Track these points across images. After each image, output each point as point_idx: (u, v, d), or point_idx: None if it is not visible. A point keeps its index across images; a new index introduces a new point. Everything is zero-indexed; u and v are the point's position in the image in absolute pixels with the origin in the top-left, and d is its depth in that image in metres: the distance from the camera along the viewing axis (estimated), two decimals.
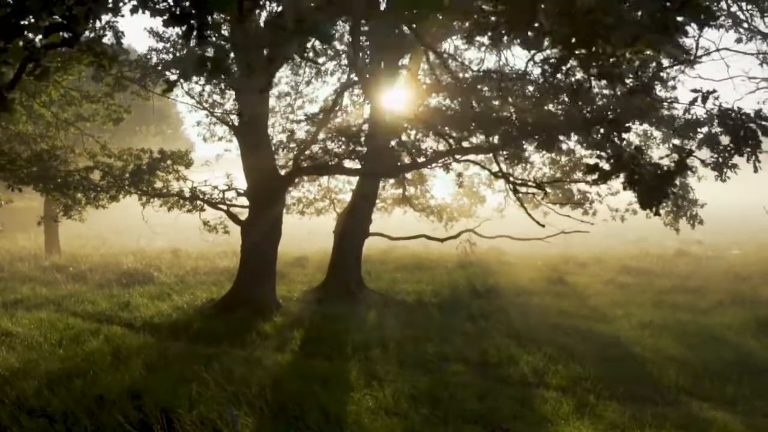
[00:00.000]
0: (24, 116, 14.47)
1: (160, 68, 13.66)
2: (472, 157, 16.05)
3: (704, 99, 5.86)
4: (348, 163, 15.41)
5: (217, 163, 17.09)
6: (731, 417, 7.40)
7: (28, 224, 23.01)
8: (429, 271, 19.12)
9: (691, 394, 8.38)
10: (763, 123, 6.43)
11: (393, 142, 14.86)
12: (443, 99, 14.63)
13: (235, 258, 17.99)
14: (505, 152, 13.58)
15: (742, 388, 8.40)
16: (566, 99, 10.91)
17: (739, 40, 14.62)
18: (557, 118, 11.06)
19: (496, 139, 12.80)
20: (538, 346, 10.12)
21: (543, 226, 14.81)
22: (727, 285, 16.77)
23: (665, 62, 10.41)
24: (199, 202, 13.89)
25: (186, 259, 22.24)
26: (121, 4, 3.81)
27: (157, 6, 3.29)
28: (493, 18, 4.78)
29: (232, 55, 12.54)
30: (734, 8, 13.91)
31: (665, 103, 11.45)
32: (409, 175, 18.72)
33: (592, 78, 8.29)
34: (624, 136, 8.27)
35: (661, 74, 11.21)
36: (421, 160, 14.75)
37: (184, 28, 2.88)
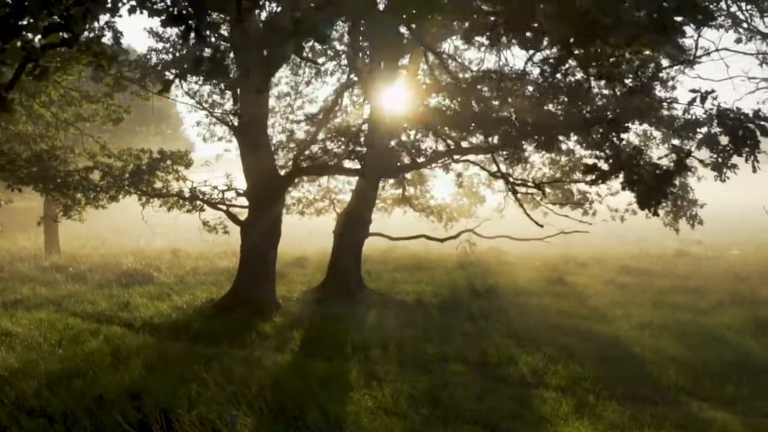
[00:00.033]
0: (24, 116, 14.47)
1: (159, 68, 13.66)
2: (471, 157, 16.07)
3: (703, 99, 5.86)
4: (348, 164, 15.43)
5: (216, 163, 17.09)
6: (731, 417, 7.40)
7: (27, 224, 23.01)
8: (429, 271, 19.12)
9: (690, 394, 8.37)
10: (762, 123, 6.43)
11: (393, 143, 14.87)
12: (443, 99, 14.64)
13: (234, 258, 17.98)
14: (504, 152, 13.58)
15: (742, 389, 8.40)
16: (566, 99, 10.91)
17: (738, 41, 14.63)
18: (557, 118, 11.06)
19: (495, 140, 12.81)
20: (537, 347, 10.12)
21: (541, 226, 14.82)
22: (727, 285, 16.77)
23: (665, 62, 10.42)
24: (198, 203, 13.88)
25: (186, 259, 22.23)
26: (119, 4, 3.82)
27: (155, 6, 3.29)
28: (492, 18, 4.79)
29: (231, 55, 12.57)
30: (734, 8, 13.92)
31: (665, 104, 11.45)
32: (408, 176, 18.73)
33: (592, 78, 8.29)
34: (623, 136, 8.27)
35: (661, 74, 11.22)
36: (421, 160, 14.77)
37: (182, 28, 2.88)
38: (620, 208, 17.27)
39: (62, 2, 3.19)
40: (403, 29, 11.38)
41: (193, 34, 2.86)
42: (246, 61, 10.35)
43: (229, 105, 14.95)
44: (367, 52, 14.65)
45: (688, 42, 11.61)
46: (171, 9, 2.97)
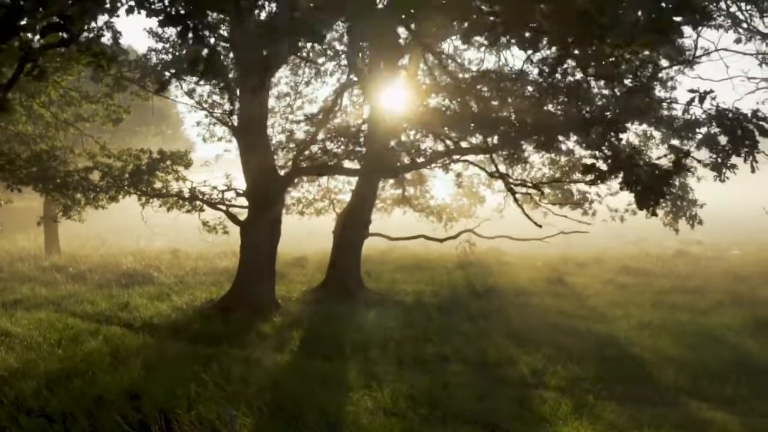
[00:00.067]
0: (23, 116, 14.48)
1: (159, 68, 13.66)
2: (471, 157, 16.07)
3: (701, 99, 5.86)
4: (347, 164, 15.43)
5: (216, 163, 17.08)
6: (730, 417, 7.40)
7: (27, 224, 23.02)
8: (428, 271, 19.12)
9: (689, 394, 8.37)
10: (760, 123, 6.43)
11: (392, 143, 14.87)
12: (442, 99, 14.64)
13: (234, 258, 17.98)
14: (504, 153, 13.57)
15: (741, 389, 8.39)
16: (565, 99, 10.90)
17: (738, 41, 14.61)
18: (556, 118, 11.05)
19: (495, 140, 12.80)
20: (537, 347, 10.12)
21: (540, 226, 14.82)
22: (727, 285, 16.77)
23: (664, 62, 10.42)
24: (198, 203, 13.88)
25: (185, 259, 22.23)
26: (118, 4, 3.81)
27: (153, 6, 3.28)
28: (491, 18, 4.78)
29: (231, 55, 12.57)
30: (733, 8, 13.91)
31: (664, 104, 11.44)
32: (408, 176, 18.75)
33: (591, 78, 8.29)
34: (621, 136, 8.27)
35: (660, 74, 11.21)
36: (421, 160, 14.76)
37: (179, 28, 2.88)
38: (620, 209, 17.27)
39: (59, 2, 3.18)
40: (401, 29, 11.39)
41: (190, 34, 2.86)
42: (243, 62, 10.34)
43: (228, 105, 14.96)
44: (367, 52, 14.65)
45: (687, 42, 11.62)
46: (169, 9, 2.97)
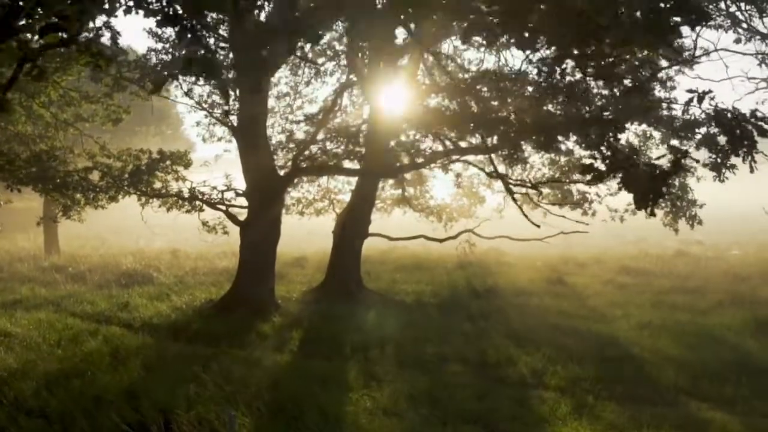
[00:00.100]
0: (23, 117, 14.46)
1: (159, 69, 13.65)
2: (470, 157, 16.07)
3: (700, 99, 5.86)
4: (347, 164, 15.43)
5: (216, 163, 17.08)
6: (730, 417, 7.40)
7: (27, 225, 22.97)
8: (428, 271, 19.12)
9: (689, 394, 8.37)
10: (759, 123, 6.42)
11: (392, 143, 14.87)
12: (442, 99, 14.64)
13: (234, 258, 17.97)
14: (503, 153, 13.56)
15: (741, 389, 8.39)
16: (565, 99, 10.89)
17: (738, 41, 14.60)
18: (556, 118, 11.04)
19: (495, 140, 12.79)
20: (536, 347, 10.12)
21: (538, 226, 14.82)
22: (727, 285, 16.76)
23: (664, 63, 10.41)
24: (198, 203, 13.87)
25: (185, 259, 22.22)
26: (116, 4, 3.81)
27: (151, 6, 3.28)
28: (490, 18, 4.78)
29: (231, 55, 12.57)
30: (733, 8, 13.90)
31: (663, 104, 11.43)
32: (408, 176, 18.73)
33: (590, 78, 8.29)
34: (620, 136, 8.27)
35: (660, 75, 11.20)
36: (420, 160, 14.76)
37: (177, 28, 2.87)
38: (620, 209, 17.25)
39: (56, 3, 3.18)
40: (401, 30, 11.39)
41: (188, 35, 2.86)
42: (242, 62, 10.34)
43: (228, 105, 14.96)
44: (367, 53, 14.65)
45: (687, 42, 11.62)
46: (166, 9, 2.97)
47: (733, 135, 6.66)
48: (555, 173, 17.07)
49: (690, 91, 5.91)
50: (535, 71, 9.52)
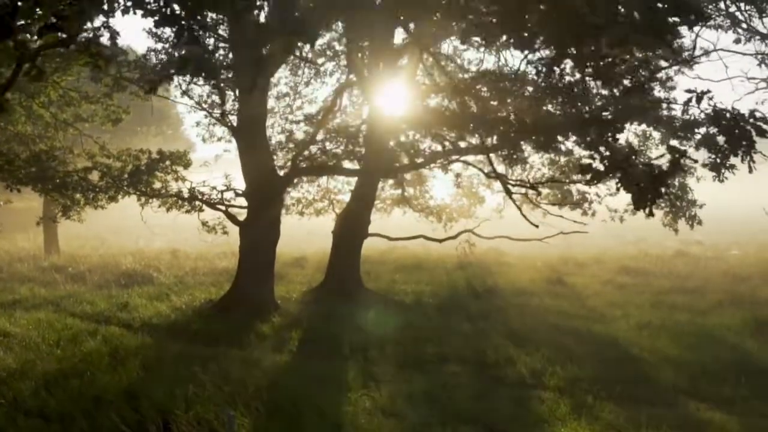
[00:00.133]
0: (23, 117, 14.47)
1: (159, 69, 13.64)
2: (470, 158, 16.06)
3: (699, 99, 5.86)
4: (347, 164, 15.42)
5: (215, 163, 17.08)
6: (728, 418, 7.40)
7: (27, 225, 22.97)
8: (428, 271, 19.11)
9: (688, 394, 8.37)
10: (758, 123, 6.43)
11: (391, 143, 14.86)
12: (441, 99, 14.63)
13: (233, 258, 17.97)
14: (503, 153, 13.56)
15: (740, 389, 8.39)
16: (564, 99, 10.88)
17: (737, 41, 14.61)
18: (555, 118, 11.04)
19: (494, 140, 12.79)
20: (536, 347, 10.12)
21: (537, 226, 14.82)
22: (726, 286, 16.75)
23: (663, 63, 10.41)
24: (197, 203, 13.87)
25: (185, 259, 22.22)
26: (115, 4, 3.81)
27: (149, 6, 3.28)
28: (489, 18, 4.78)
29: (230, 55, 12.56)
30: (732, 8, 13.91)
31: (663, 104, 11.43)
32: (408, 176, 18.73)
33: (589, 78, 8.29)
34: (618, 136, 8.27)
35: (659, 75, 11.20)
36: (420, 160, 14.76)
37: (175, 28, 2.88)
38: (619, 209, 17.24)
39: (54, 3, 3.18)
40: (401, 30, 11.39)
41: (186, 35, 2.86)
42: (240, 62, 10.34)
43: (227, 105, 14.95)
44: (366, 53, 14.65)
45: (686, 42, 11.62)
46: (164, 9, 2.97)
47: (732, 135, 6.66)
48: (554, 173, 17.06)
49: (689, 91, 5.91)
50: (534, 71, 9.52)
